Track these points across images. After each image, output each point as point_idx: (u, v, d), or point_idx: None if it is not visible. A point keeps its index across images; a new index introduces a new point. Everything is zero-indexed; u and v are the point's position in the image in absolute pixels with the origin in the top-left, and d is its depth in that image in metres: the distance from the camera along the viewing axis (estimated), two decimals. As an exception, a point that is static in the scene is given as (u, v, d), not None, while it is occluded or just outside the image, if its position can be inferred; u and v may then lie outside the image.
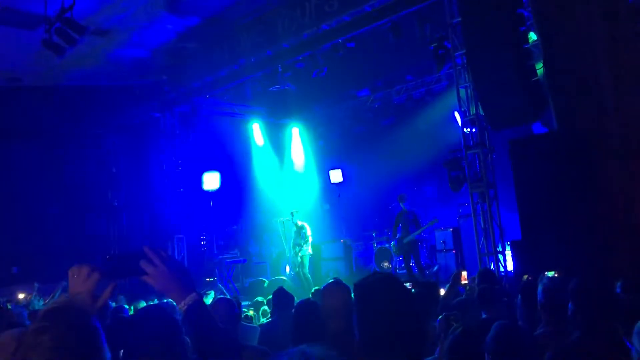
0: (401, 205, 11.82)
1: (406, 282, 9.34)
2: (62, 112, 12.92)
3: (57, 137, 13.55)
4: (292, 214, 12.79)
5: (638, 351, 1.92)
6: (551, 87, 7.87)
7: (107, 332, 2.01)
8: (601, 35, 7.28)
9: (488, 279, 5.98)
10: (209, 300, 9.18)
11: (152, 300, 9.81)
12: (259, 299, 9.06)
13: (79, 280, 1.75)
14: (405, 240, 11.49)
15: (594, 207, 6.89)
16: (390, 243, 12.99)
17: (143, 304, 9.50)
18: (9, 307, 7.45)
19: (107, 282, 1.76)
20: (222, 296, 9.26)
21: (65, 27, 9.13)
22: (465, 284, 7.24)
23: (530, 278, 6.20)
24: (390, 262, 12.77)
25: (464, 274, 7.95)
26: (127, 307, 8.65)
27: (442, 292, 6.34)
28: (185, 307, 1.65)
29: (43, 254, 13.09)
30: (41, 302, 9.77)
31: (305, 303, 3.40)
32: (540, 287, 3.47)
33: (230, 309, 3.48)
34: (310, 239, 12.45)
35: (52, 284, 12.25)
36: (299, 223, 12.61)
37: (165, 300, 10.11)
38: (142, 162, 14.64)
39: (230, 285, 12.70)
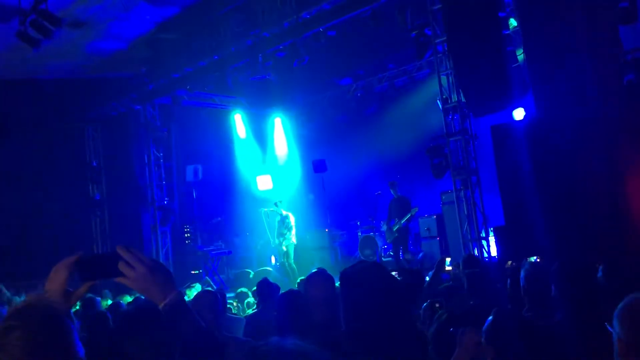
0: (392, 192, 11.89)
1: (392, 270, 9.40)
2: (39, 106, 12.68)
3: (34, 131, 13.30)
4: (276, 204, 12.76)
5: (617, 334, 1.94)
6: (531, 73, 7.91)
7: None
8: (581, 21, 7.33)
9: (472, 265, 6.01)
10: (194, 293, 9.14)
11: (134, 294, 9.74)
12: (243, 290, 9.04)
13: (57, 276, 1.71)
14: (395, 228, 11.57)
15: (576, 191, 6.96)
16: (375, 231, 13.07)
17: (128, 298, 9.43)
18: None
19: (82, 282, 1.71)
20: (208, 288, 9.23)
21: (41, 19, 8.94)
22: (449, 270, 7.29)
23: (514, 264, 6.26)
24: (374, 251, 12.81)
25: (448, 260, 8.03)
26: (117, 301, 8.57)
27: (427, 279, 6.38)
28: (166, 306, 1.62)
29: (24, 251, 12.91)
30: (23, 299, 9.63)
31: (289, 294, 3.38)
32: (522, 273, 3.49)
33: (213, 301, 3.45)
34: (294, 229, 12.44)
35: (34, 281, 12.10)
36: (283, 213, 12.60)
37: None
38: (123, 155, 14.48)
39: (216, 277, 12.67)
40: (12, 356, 1.47)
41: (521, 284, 3.48)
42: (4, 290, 10.10)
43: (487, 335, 2.50)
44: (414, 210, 11.58)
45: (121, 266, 1.61)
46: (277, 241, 12.71)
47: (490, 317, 2.56)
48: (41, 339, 1.50)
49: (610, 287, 3.96)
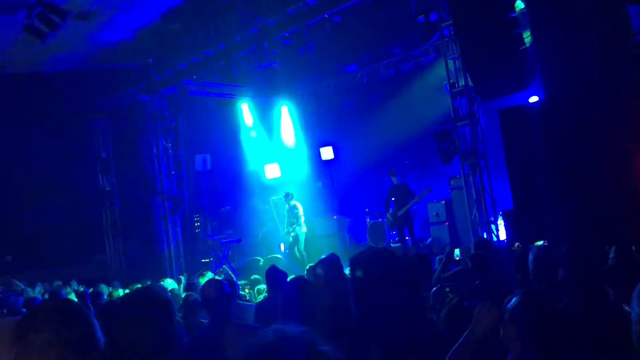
0: (392, 179, 11.84)
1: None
2: (47, 99, 12.76)
3: (43, 124, 13.40)
4: (287, 194, 12.77)
5: (638, 314, 1.93)
6: (539, 55, 7.84)
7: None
8: (589, 1, 7.24)
9: (484, 248, 6.00)
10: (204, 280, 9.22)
11: (145, 283, 9.84)
12: (255, 276, 9.12)
13: None
14: (400, 213, 11.53)
15: (585, 174, 6.92)
16: (384, 218, 13.06)
17: (139, 286, 9.54)
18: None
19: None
20: (217, 277, 9.31)
21: (47, 11, 8.99)
22: (458, 260, 7.29)
23: (520, 246, 6.26)
24: (383, 237, 12.82)
25: (457, 251, 8.03)
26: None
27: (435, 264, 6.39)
28: None
29: (37, 242, 13.07)
30: (37, 290, 9.77)
31: (296, 280, 3.41)
32: (530, 256, 3.49)
33: (220, 288, 3.48)
34: (303, 218, 12.48)
35: (48, 271, 12.27)
36: (292, 202, 12.63)
37: (161, 282, 10.16)
38: (132, 145, 14.55)
39: (226, 266, 12.76)
40: (42, 350, 1.52)
41: (529, 267, 3.49)
42: (18, 282, 10.24)
43: (512, 315, 2.45)
44: (427, 190, 11.49)
45: None
46: (286, 230, 12.77)
47: (516, 297, 2.50)
48: (68, 336, 1.55)
49: (622, 270, 3.96)
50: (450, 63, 9.81)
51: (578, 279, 3.20)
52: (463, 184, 9.85)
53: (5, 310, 6.76)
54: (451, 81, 9.77)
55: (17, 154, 13.16)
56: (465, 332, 2.43)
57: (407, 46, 13.24)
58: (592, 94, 7.06)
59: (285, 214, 12.82)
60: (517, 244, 7.00)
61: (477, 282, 4.29)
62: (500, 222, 9.71)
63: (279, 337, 1.09)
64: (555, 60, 7.57)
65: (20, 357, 1.56)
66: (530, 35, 8.23)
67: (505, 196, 9.49)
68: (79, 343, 1.58)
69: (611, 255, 4.52)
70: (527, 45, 8.82)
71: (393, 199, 11.75)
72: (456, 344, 2.44)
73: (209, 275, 10.59)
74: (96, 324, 1.64)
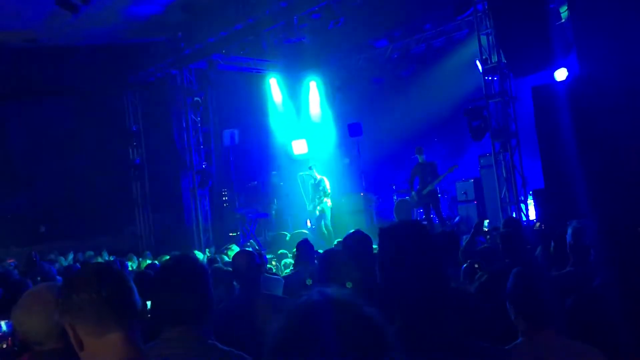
0: (419, 157, 11.73)
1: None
2: (79, 72, 12.92)
3: (75, 96, 13.60)
4: (310, 167, 12.76)
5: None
6: (575, 31, 7.63)
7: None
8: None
9: (513, 227, 5.93)
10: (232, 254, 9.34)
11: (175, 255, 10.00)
12: (283, 251, 9.20)
13: None
14: (425, 191, 11.45)
15: (620, 152, 6.76)
16: (409, 196, 13.00)
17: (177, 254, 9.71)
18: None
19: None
20: (248, 249, 9.41)
21: (79, -16, 9.06)
22: (486, 231, 7.23)
23: (542, 226, 6.18)
24: (410, 215, 12.77)
25: (485, 223, 7.95)
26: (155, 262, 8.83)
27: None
28: None
29: (69, 213, 13.38)
30: (69, 258, 10.03)
31: (330, 251, 3.44)
32: (569, 229, 3.45)
33: (251, 260, 3.52)
34: (329, 191, 12.47)
35: (80, 241, 12.57)
36: (318, 176, 12.61)
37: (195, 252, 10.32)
38: (162, 119, 14.68)
39: (253, 240, 12.90)
40: (83, 312, 1.58)
41: (567, 240, 3.45)
42: (36, 258, 10.47)
43: (508, 294, 2.53)
44: (453, 167, 11.37)
45: None
46: (311, 205, 12.79)
47: (510, 279, 2.57)
48: (107, 295, 1.61)
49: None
50: (484, 39, 9.61)
51: (611, 259, 3.15)
52: (493, 162, 9.72)
53: (39, 278, 6.97)
54: (484, 57, 9.58)
55: (50, 127, 13.41)
56: None
57: (439, 21, 12.97)
58: (632, 72, 6.86)
59: (310, 188, 12.83)
60: (538, 223, 6.91)
61: (507, 260, 4.26)
62: (530, 202, 9.59)
63: (325, 298, 1.09)
64: (593, 37, 7.36)
65: (62, 318, 1.63)
66: (567, 10, 8.01)
67: (536, 175, 9.35)
68: (116, 302, 1.65)
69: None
70: (563, 20, 8.60)
71: (418, 177, 11.66)
72: None
73: (235, 248, 10.72)
74: (134, 287, 1.70)
